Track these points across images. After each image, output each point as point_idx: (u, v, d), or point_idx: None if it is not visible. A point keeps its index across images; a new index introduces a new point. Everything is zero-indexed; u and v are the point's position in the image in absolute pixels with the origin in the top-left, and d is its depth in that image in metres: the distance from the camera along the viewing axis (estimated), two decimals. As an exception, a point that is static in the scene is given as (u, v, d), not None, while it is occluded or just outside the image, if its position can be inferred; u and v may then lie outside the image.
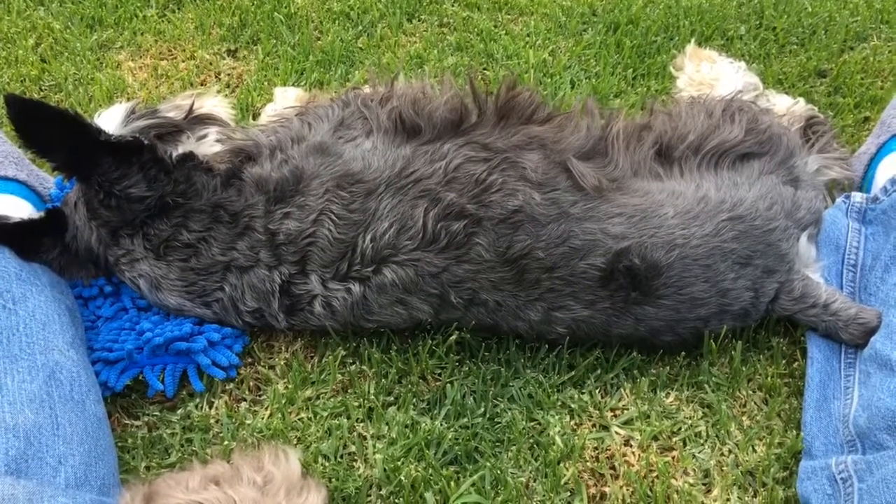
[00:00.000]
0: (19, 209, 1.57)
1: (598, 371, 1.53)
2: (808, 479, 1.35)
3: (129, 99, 1.96)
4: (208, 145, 1.68)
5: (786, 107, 1.82)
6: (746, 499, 1.38)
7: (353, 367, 1.54)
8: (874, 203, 1.60)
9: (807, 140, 1.73)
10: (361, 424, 1.47)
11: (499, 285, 1.45)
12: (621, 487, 1.39)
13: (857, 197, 1.63)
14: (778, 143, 1.61)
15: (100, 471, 1.27)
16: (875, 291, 1.52)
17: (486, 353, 1.55)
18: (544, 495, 1.38)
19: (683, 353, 1.54)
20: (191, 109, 1.72)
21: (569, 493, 1.39)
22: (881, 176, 1.65)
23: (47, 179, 1.71)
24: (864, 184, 1.73)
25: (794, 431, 1.46)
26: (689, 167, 1.57)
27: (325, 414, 1.48)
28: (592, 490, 1.40)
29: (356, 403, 1.49)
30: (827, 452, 1.38)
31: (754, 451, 1.44)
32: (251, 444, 1.41)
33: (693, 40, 2.08)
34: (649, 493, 1.38)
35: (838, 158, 1.72)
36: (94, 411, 1.35)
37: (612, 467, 1.43)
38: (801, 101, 1.85)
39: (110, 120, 1.63)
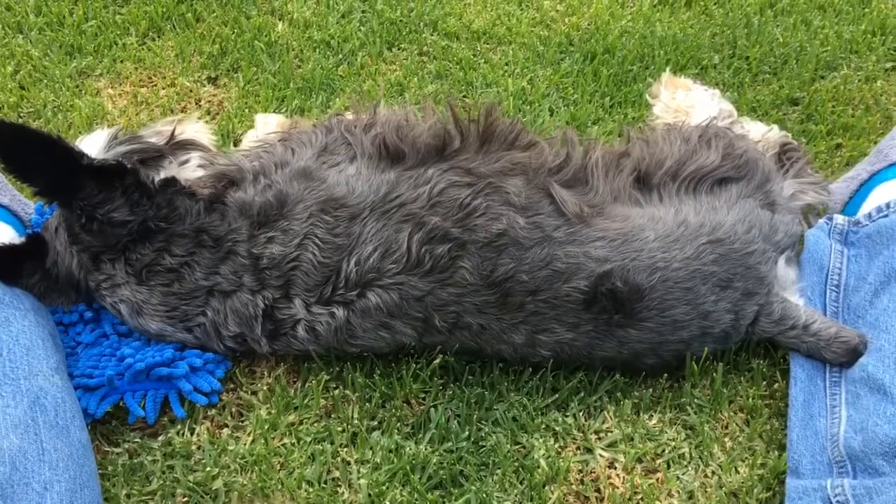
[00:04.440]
0: (1, 234, 1.56)
1: (582, 394, 1.54)
2: (800, 499, 1.36)
3: (109, 126, 1.95)
4: (191, 170, 1.68)
5: (760, 133, 1.85)
6: (730, 520, 1.39)
7: (336, 392, 1.53)
8: (856, 226, 1.63)
9: (781, 166, 1.76)
10: (345, 449, 1.46)
11: (483, 308, 1.45)
12: (607, 510, 1.40)
13: (840, 219, 1.66)
14: (754, 167, 1.64)
15: (85, 497, 1.25)
16: (863, 314, 1.54)
17: (470, 377, 1.55)
18: (530, 518, 1.38)
19: (666, 375, 1.55)
20: (172, 135, 1.72)
21: (554, 516, 1.39)
22: (871, 202, 1.68)
23: (29, 205, 1.70)
24: (847, 207, 1.76)
25: (777, 452, 1.47)
26: (667, 192, 1.60)
27: (308, 439, 1.47)
28: (578, 513, 1.40)
29: (340, 428, 1.48)
30: (815, 471, 1.39)
31: (737, 472, 1.45)
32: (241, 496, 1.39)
33: (668, 69, 2.12)
34: (634, 515, 1.39)
35: (813, 183, 1.75)
36: (79, 437, 1.34)
37: (598, 490, 1.43)
38: (775, 127, 1.89)
39: (92, 145, 1.63)
